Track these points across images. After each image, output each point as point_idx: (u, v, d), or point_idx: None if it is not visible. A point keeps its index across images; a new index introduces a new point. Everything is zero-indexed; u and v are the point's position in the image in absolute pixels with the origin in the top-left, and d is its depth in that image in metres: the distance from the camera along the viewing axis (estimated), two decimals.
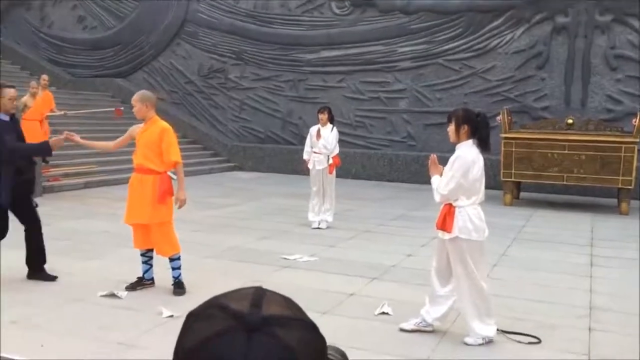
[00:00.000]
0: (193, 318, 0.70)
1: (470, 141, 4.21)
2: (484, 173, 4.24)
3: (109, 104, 16.90)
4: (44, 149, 5.68)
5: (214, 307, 0.69)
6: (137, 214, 5.25)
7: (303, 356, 0.66)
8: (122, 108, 14.45)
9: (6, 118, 5.51)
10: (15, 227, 5.74)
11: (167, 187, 5.28)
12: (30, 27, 19.83)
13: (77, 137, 5.59)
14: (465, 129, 4.20)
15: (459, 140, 4.24)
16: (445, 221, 4.13)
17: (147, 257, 5.43)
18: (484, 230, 4.20)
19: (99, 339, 4.17)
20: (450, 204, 4.15)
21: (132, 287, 5.30)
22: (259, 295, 0.70)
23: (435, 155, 4.39)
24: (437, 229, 4.24)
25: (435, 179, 4.26)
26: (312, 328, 0.70)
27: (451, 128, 4.26)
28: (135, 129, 5.43)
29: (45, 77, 12.88)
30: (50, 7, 19.52)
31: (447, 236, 4.16)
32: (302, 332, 0.68)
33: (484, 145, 4.22)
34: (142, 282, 5.40)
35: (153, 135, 5.25)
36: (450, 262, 4.26)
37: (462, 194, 4.14)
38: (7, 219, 5.57)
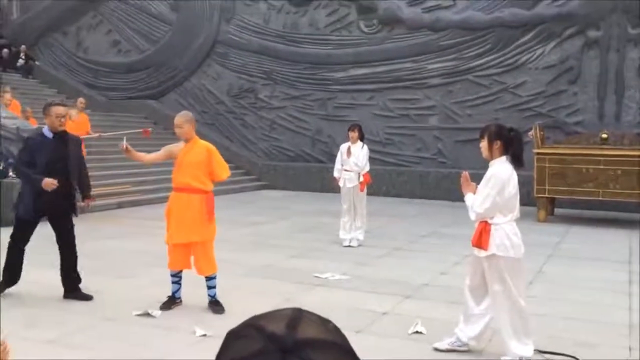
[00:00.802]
0: (232, 337, 0.72)
1: (504, 157, 4.16)
2: (518, 189, 4.18)
3: (142, 125, 17.20)
4: (35, 183, 5.50)
5: (251, 328, 0.71)
6: (186, 233, 5.29)
7: None
8: (150, 129, 14.78)
9: (49, 135, 5.67)
10: (52, 245, 5.85)
11: (213, 204, 5.42)
12: (67, 52, 20.39)
13: (129, 148, 5.52)
14: (498, 144, 4.15)
15: (492, 157, 4.19)
16: (482, 238, 4.07)
17: (178, 277, 5.49)
18: (521, 247, 4.14)
19: (134, 357, 4.20)
20: (486, 222, 4.10)
21: (166, 306, 5.35)
22: (295, 317, 0.71)
23: (467, 173, 4.33)
24: (473, 246, 4.19)
25: (469, 197, 4.20)
26: (348, 352, 0.70)
27: (484, 144, 4.21)
28: (174, 149, 5.47)
29: (81, 100, 13.21)
30: (86, 32, 20.06)
31: (483, 254, 4.10)
32: (336, 356, 0.68)
33: (517, 161, 4.16)
34: (175, 301, 5.45)
35: (200, 155, 5.34)
36: (485, 280, 4.19)
37: (498, 211, 4.09)
38: (31, 232, 5.66)
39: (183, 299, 5.49)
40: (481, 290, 4.27)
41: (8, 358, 1.59)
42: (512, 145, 4.15)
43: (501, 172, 4.09)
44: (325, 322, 0.72)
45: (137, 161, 5.61)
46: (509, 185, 4.08)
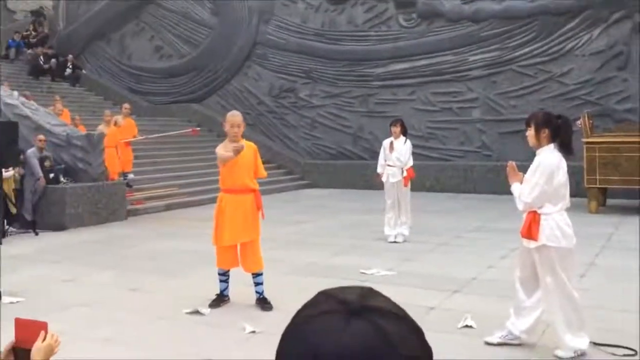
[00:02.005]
0: (303, 305, 0.75)
1: (552, 145, 4.05)
2: (568, 178, 4.06)
3: (185, 128, 17.52)
4: None
5: (323, 295, 0.74)
6: (240, 233, 5.38)
7: (402, 348, 0.67)
8: (198, 128, 15.17)
9: None
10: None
11: (261, 200, 5.54)
12: (111, 59, 20.91)
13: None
14: (545, 132, 4.04)
15: (539, 145, 4.08)
16: (531, 229, 3.97)
17: (226, 275, 5.56)
18: (573, 237, 4.02)
19: (186, 355, 4.28)
20: (535, 212, 3.99)
21: (215, 304, 5.43)
22: (367, 290, 0.75)
23: (513, 162, 4.23)
24: (523, 237, 4.09)
25: (515, 187, 4.09)
26: (414, 328, 0.71)
27: (530, 132, 4.11)
28: (224, 151, 5.42)
29: (127, 105, 13.53)
30: (129, 39, 20.53)
31: (533, 245, 4.00)
32: (402, 327, 0.69)
33: (567, 149, 4.05)
34: (223, 299, 5.52)
35: (249, 155, 5.45)
36: (536, 272, 4.09)
37: (546, 201, 3.98)
38: None
39: (231, 296, 5.56)
40: (532, 283, 4.17)
41: (57, 350, 1.66)
42: (560, 133, 4.04)
43: (549, 159, 3.98)
44: (395, 303, 0.74)
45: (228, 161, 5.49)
46: (558, 173, 3.97)
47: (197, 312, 5.23)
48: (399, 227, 8.48)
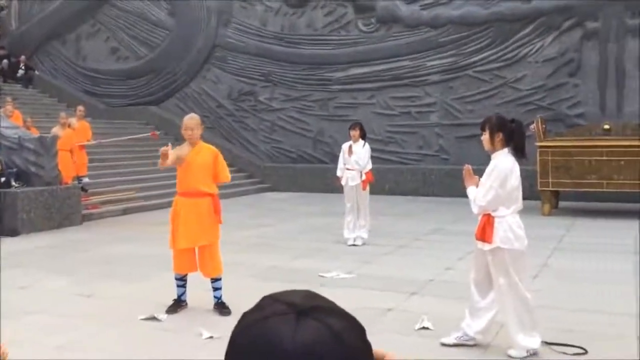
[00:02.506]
0: (246, 312, 0.76)
1: (506, 149, 4.13)
2: (520, 181, 4.16)
3: (143, 131, 17.26)
4: None
5: (268, 299, 0.76)
6: (195, 237, 5.30)
7: (349, 343, 0.70)
8: (158, 132, 14.93)
9: None
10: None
11: (219, 205, 5.45)
12: (66, 60, 20.45)
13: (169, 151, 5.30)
14: (499, 136, 4.12)
15: (494, 149, 4.15)
16: (485, 232, 4.06)
17: (183, 280, 5.49)
18: (524, 239, 4.12)
19: None
20: (489, 214, 4.08)
21: (172, 309, 5.36)
22: (310, 293, 0.77)
23: (469, 166, 4.31)
24: (477, 239, 4.17)
25: (471, 190, 4.17)
26: (357, 325, 0.76)
27: (485, 137, 4.19)
28: (181, 153, 5.38)
29: (81, 107, 13.21)
30: (85, 40, 20.11)
31: (487, 247, 4.08)
32: (346, 324, 0.73)
33: (520, 152, 4.14)
34: (180, 304, 5.45)
35: (207, 158, 5.36)
36: (489, 273, 4.18)
37: (500, 204, 4.07)
38: None
39: (189, 301, 5.50)
40: (486, 284, 4.26)
41: None
42: (513, 137, 4.12)
43: (503, 164, 4.06)
44: (337, 306, 0.77)
45: (162, 166, 5.47)
46: (511, 177, 4.06)
47: (153, 318, 5.16)
48: (358, 230, 8.55)
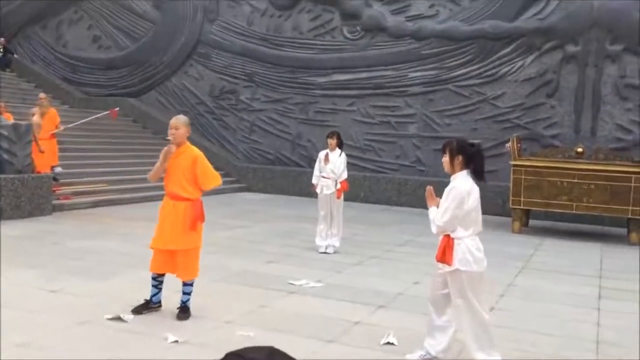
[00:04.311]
0: None
1: (465, 172, 4.17)
2: (480, 203, 4.19)
3: (121, 122, 17.08)
4: None
5: (233, 355, 0.79)
6: (168, 240, 5.22)
7: None
8: (117, 109, 14.77)
9: None
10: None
11: (199, 213, 5.29)
12: (46, 45, 20.14)
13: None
14: (459, 159, 4.16)
15: (453, 171, 4.20)
16: (445, 254, 4.10)
17: (158, 280, 5.40)
18: (483, 261, 4.15)
19: None
20: (449, 236, 4.12)
21: (138, 310, 5.29)
22: (274, 350, 0.79)
23: (431, 187, 4.35)
24: (437, 261, 4.22)
25: (432, 211, 4.23)
26: None
27: (445, 159, 4.23)
28: (168, 152, 5.28)
29: (42, 95, 12.63)
30: (66, 26, 19.84)
31: (447, 269, 4.14)
32: None
33: (478, 175, 4.17)
34: (149, 306, 5.38)
35: (186, 161, 5.23)
36: (447, 292, 4.24)
37: (458, 225, 4.11)
38: None
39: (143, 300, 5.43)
40: (442, 302, 4.33)
41: None
42: (473, 160, 4.15)
43: (461, 185, 4.10)
44: None
45: (153, 179, 5.44)
46: (469, 198, 4.08)
47: (119, 319, 5.11)
48: (330, 239, 8.58)
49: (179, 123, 5.26)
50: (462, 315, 4.14)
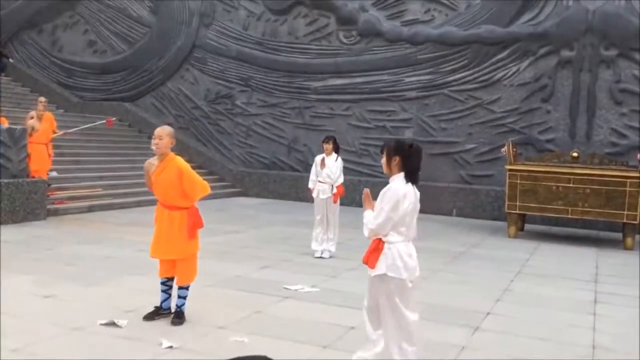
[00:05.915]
0: None
1: (402, 174, 3.94)
2: (416, 207, 3.96)
3: (116, 127, 17.06)
4: None
5: None
6: (166, 250, 5.18)
7: None
8: (113, 118, 14.80)
9: None
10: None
11: (196, 219, 5.25)
12: (41, 50, 20.11)
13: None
14: (396, 160, 3.93)
15: (391, 173, 3.98)
16: (370, 256, 3.88)
17: (167, 285, 5.36)
18: (415, 269, 3.89)
19: None
20: (380, 239, 3.89)
21: (149, 317, 5.25)
22: (266, 359, 0.77)
23: (368, 190, 4.13)
24: (363, 263, 3.96)
25: (367, 214, 3.99)
26: None
27: (383, 160, 4.02)
28: (149, 167, 5.24)
29: (42, 99, 12.62)
30: (62, 31, 19.82)
31: (372, 272, 3.88)
32: None
33: (411, 177, 3.92)
34: (160, 312, 5.33)
35: (171, 175, 5.13)
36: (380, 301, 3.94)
37: (391, 229, 3.87)
38: None
39: (151, 307, 5.41)
40: (377, 313, 3.98)
41: None
42: (410, 161, 3.94)
43: (397, 187, 3.87)
44: None
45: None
46: (404, 201, 3.84)
47: (113, 324, 5.08)
48: (326, 243, 8.57)
49: (164, 133, 5.17)
50: (386, 316, 3.88)
